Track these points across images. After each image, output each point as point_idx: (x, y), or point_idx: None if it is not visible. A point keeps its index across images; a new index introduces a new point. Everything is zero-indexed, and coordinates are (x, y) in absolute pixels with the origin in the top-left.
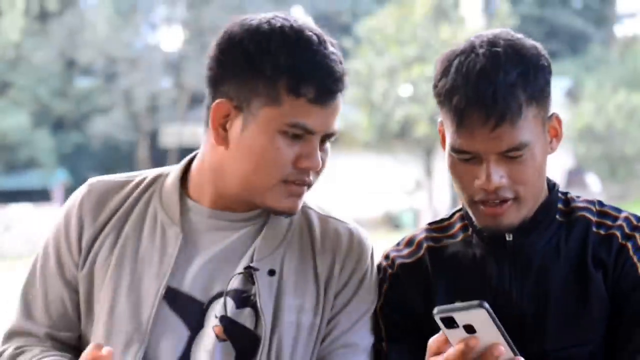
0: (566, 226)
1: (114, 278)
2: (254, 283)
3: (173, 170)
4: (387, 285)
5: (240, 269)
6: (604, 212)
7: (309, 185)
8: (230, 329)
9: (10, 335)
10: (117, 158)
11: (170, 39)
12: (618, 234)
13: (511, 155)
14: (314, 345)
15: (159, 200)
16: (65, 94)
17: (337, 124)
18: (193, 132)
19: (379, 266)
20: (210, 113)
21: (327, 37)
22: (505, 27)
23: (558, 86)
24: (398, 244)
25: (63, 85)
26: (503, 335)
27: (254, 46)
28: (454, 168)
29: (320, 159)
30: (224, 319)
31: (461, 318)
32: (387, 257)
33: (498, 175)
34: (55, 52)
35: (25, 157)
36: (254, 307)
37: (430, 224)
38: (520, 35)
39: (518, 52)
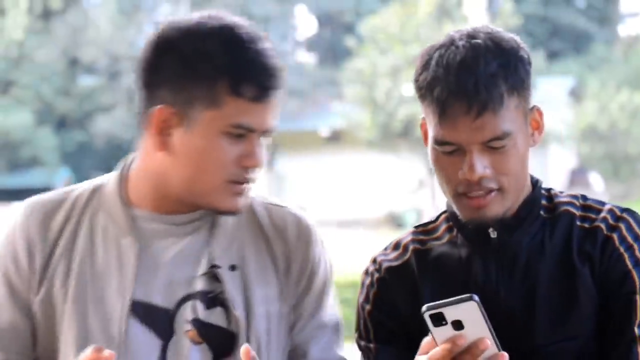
0: (550, 222)
1: (77, 299)
2: (219, 281)
3: (110, 180)
4: (375, 289)
5: (201, 270)
6: (588, 206)
7: (252, 182)
8: (204, 330)
9: None
10: (120, 156)
11: None
12: (602, 226)
13: (494, 145)
14: (284, 333)
15: (105, 212)
16: (69, 92)
17: (275, 120)
18: None
19: (366, 270)
20: (149, 119)
21: (259, 33)
22: (509, 27)
23: (561, 85)
24: (385, 248)
25: (66, 83)
26: (490, 330)
27: (190, 49)
28: (437, 161)
29: (261, 156)
30: (196, 322)
31: (450, 313)
32: (374, 261)
33: (482, 166)
34: (58, 51)
35: (28, 156)
36: (223, 305)
37: (416, 227)
38: (498, 29)
39: (498, 44)
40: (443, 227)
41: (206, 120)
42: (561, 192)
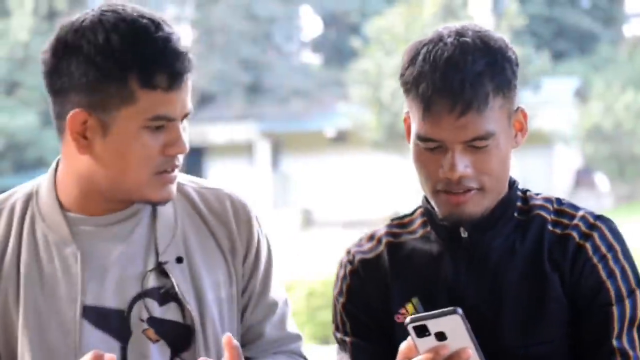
0: (523, 225)
1: (31, 313)
2: (167, 277)
3: (42, 186)
4: (348, 281)
5: (149, 266)
6: (561, 211)
7: (178, 168)
8: (161, 328)
9: None
10: None
11: None
12: (574, 234)
13: (477, 144)
14: (236, 315)
15: (42, 221)
16: None
17: (191, 102)
18: (201, 131)
19: (340, 262)
20: (66, 125)
21: (160, 18)
22: (514, 27)
23: (566, 86)
24: (360, 239)
25: None
26: (473, 342)
27: (93, 49)
28: (418, 157)
29: (185, 141)
30: (151, 320)
31: (434, 326)
32: (348, 252)
33: (463, 165)
34: None
35: (34, 157)
36: (176, 299)
37: (392, 219)
38: (487, 28)
39: (486, 43)
40: (418, 221)
41: (123, 118)
42: (537, 194)
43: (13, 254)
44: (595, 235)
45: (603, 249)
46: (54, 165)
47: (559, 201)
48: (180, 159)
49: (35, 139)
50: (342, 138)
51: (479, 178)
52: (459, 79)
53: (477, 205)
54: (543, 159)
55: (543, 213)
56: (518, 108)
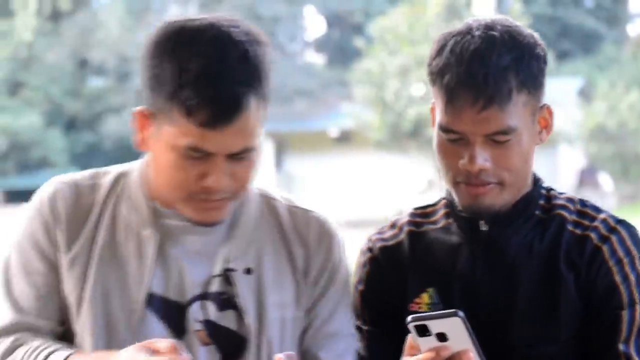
0: (544, 223)
1: (99, 291)
2: (232, 285)
3: (133, 170)
4: (368, 268)
5: (216, 270)
6: (583, 212)
7: (228, 199)
8: (214, 332)
9: (7, 332)
10: (130, 157)
11: None
12: (593, 235)
13: (497, 139)
14: (298, 338)
15: (128, 201)
16: (78, 93)
17: (247, 141)
18: None
19: (361, 250)
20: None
21: (239, 47)
22: None
23: (570, 85)
24: (382, 228)
25: (75, 85)
26: (474, 344)
27: (155, 62)
28: (440, 147)
29: (223, 179)
30: (206, 323)
31: (435, 326)
32: (369, 240)
33: (482, 158)
34: (67, 52)
35: (38, 157)
36: (236, 308)
37: (415, 208)
38: (518, 23)
39: (514, 38)
40: (441, 212)
41: (166, 135)
42: (561, 194)
43: (92, 228)
44: (614, 238)
45: (620, 253)
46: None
47: (582, 202)
48: (224, 193)
49: (38, 139)
50: (345, 138)
51: (498, 173)
52: (483, 73)
53: (496, 199)
54: (547, 159)
55: (564, 213)
56: (544, 105)
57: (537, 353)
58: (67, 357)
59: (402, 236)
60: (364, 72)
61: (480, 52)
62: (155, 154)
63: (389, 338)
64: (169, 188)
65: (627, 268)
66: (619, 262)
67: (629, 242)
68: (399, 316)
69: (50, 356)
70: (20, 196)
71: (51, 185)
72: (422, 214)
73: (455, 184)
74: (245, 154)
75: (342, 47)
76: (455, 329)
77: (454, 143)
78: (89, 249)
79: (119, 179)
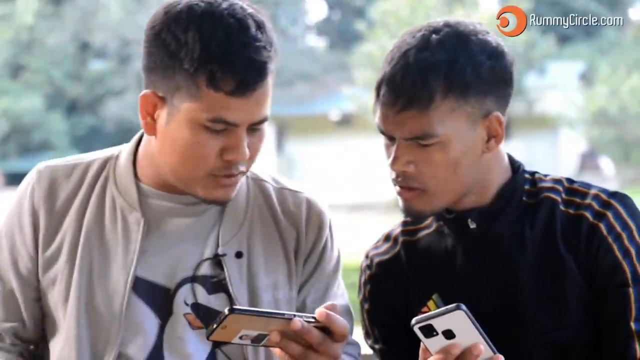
0: (533, 208)
1: (84, 271)
2: (222, 268)
3: (123, 152)
4: (370, 287)
5: (206, 254)
6: (573, 189)
7: (242, 174)
8: (204, 315)
9: None
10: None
11: None
12: (587, 214)
13: (420, 143)
14: None
15: (115, 185)
16: (79, 76)
17: (265, 111)
18: None
19: (361, 267)
20: (139, 103)
21: (254, 18)
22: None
23: (572, 69)
24: (377, 241)
25: (77, 67)
26: (482, 335)
27: (172, 38)
28: (385, 147)
29: (246, 150)
30: (196, 306)
31: (440, 324)
32: (367, 256)
33: (404, 160)
34: (69, 35)
35: (39, 140)
36: (226, 291)
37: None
38: (488, 31)
39: (456, 42)
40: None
41: (186, 111)
42: (545, 176)
43: (78, 212)
44: (610, 214)
45: (618, 227)
46: (137, 135)
47: (569, 180)
48: (242, 166)
49: (40, 122)
50: (346, 121)
51: (422, 179)
52: (403, 73)
53: (424, 205)
54: (548, 143)
55: (553, 195)
56: (492, 114)
57: (551, 338)
58: None
59: (398, 248)
60: (366, 55)
61: (410, 52)
62: (169, 136)
63: (403, 353)
64: (185, 168)
65: (627, 242)
66: (617, 237)
67: (625, 215)
68: (409, 329)
69: None
70: (21, 179)
71: (33, 174)
72: (414, 220)
73: (394, 185)
74: (261, 125)
75: (343, 31)
76: (460, 323)
77: (389, 142)
78: (76, 234)
79: (106, 162)
